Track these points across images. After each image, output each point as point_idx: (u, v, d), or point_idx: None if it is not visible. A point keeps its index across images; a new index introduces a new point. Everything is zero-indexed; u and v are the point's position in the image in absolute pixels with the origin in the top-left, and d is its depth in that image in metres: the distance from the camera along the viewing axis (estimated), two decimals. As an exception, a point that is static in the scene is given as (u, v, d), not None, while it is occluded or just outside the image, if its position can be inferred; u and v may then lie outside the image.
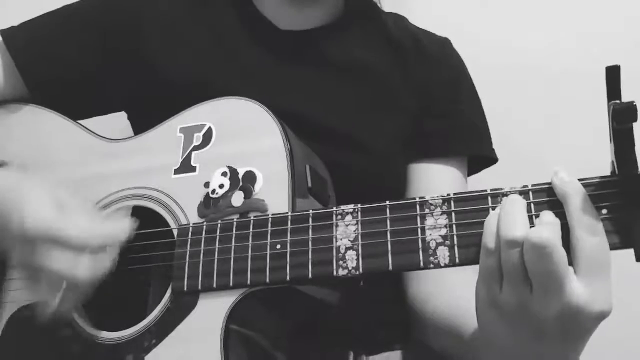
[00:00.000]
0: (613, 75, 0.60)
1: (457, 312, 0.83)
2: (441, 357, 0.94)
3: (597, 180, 0.63)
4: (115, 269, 0.81)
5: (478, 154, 1.04)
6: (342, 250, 0.71)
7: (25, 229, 0.73)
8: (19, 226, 0.73)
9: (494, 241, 0.63)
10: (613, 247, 0.61)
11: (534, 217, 0.64)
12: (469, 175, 1.05)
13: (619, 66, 0.60)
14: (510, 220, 0.62)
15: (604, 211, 0.62)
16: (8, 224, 0.75)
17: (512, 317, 0.64)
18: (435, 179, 1.00)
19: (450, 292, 0.88)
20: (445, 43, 1.09)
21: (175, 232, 0.80)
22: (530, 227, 0.62)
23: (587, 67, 0.91)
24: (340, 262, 0.71)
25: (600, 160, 0.68)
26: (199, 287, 0.76)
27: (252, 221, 0.76)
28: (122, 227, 0.75)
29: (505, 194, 0.66)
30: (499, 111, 1.11)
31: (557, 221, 0.62)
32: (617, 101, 0.60)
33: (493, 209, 0.66)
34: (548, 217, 0.63)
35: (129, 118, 1.07)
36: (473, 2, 1.37)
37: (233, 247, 0.76)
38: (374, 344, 0.92)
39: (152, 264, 0.85)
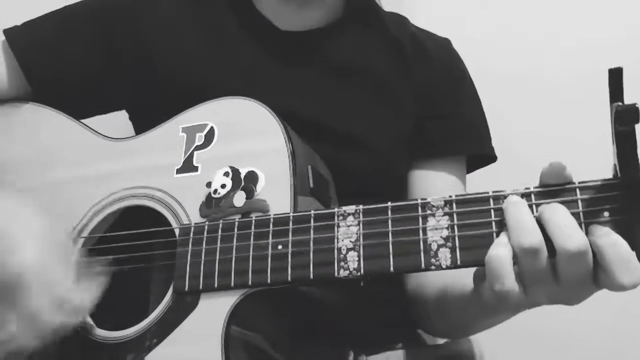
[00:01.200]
0: (616, 77, 0.60)
1: (452, 286, 0.84)
2: (440, 356, 0.94)
3: (599, 182, 0.63)
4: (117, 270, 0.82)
5: (478, 153, 1.04)
6: (344, 252, 0.71)
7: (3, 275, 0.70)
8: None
9: (507, 251, 0.63)
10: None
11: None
12: (468, 172, 1.05)
13: (622, 68, 0.60)
14: (520, 226, 0.62)
15: (606, 214, 0.62)
16: None
17: (532, 306, 0.67)
18: (435, 179, 1.01)
19: (446, 274, 0.88)
20: (445, 43, 1.09)
21: (177, 231, 0.80)
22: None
23: (588, 68, 0.91)
24: (342, 263, 0.71)
25: (602, 163, 0.68)
26: (200, 287, 0.76)
27: (253, 221, 0.76)
28: (88, 301, 0.73)
29: (507, 196, 0.66)
30: (499, 111, 1.11)
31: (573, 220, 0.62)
32: (620, 103, 0.60)
33: (495, 210, 0.66)
34: (570, 220, 0.62)
35: (130, 118, 1.07)
36: (473, 3, 1.37)
37: (234, 247, 0.75)
38: (374, 344, 0.92)
39: (153, 263, 0.85)
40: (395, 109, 1.01)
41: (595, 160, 0.69)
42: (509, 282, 0.62)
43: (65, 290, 0.73)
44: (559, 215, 0.62)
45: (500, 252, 0.62)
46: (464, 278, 0.76)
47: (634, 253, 0.60)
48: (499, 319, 0.80)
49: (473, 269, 0.70)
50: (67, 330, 0.73)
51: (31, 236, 0.73)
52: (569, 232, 0.61)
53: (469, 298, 0.75)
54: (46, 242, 0.74)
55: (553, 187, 0.65)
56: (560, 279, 0.62)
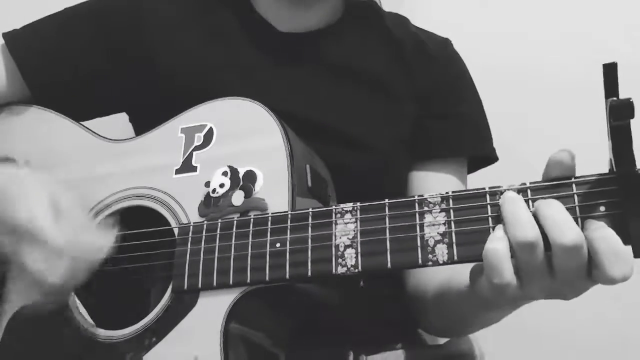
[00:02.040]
0: (610, 72, 0.61)
1: (450, 284, 0.84)
2: (440, 356, 0.94)
3: (595, 177, 0.64)
4: (116, 269, 0.82)
5: (479, 154, 1.04)
6: (342, 249, 0.71)
7: (14, 223, 0.74)
8: (10, 219, 0.74)
9: (504, 244, 0.63)
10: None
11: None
12: (468, 173, 1.05)
13: (616, 63, 0.61)
14: (517, 221, 0.62)
15: (602, 208, 0.62)
16: (2, 215, 0.75)
17: (529, 299, 0.68)
18: (436, 179, 1.00)
19: (443, 271, 0.88)
20: (446, 44, 1.09)
21: (176, 231, 0.80)
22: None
23: (587, 67, 0.92)
24: (340, 260, 0.71)
25: (599, 158, 0.68)
26: (199, 285, 0.76)
27: (252, 220, 0.76)
28: (104, 242, 0.76)
29: (503, 192, 0.66)
30: (499, 111, 1.11)
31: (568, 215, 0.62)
32: (615, 98, 0.60)
33: (492, 206, 0.66)
34: (565, 215, 0.62)
35: (130, 120, 1.08)
36: (473, 3, 1.37)
37: (233, 245, 0.76)
38: (373, 344, 0.92)
39: (153, 262, 0.85)
40: (395, 109, 1.01)
41: (595, 158, 0.69)
42: (507, 275, 0.62)
43: (80, 229, 0.75)
44: (553, 210, 0.62)
45: (497, 245, 0.63)
46: (462, 274, 0.76)
47: (626, 246, 0.60)
48: (497, 314, 0.80)
49: (470, 265, 0.70)
50: (89, 269, 0.75)
51: (38, 187, 0.77)
52: (564, 227, 0.61)
53: (467, 293, 0.75)
54: (55, 191, 0.77)
55: (549, 182, 0.65)
56: (556, 273, 0.62)
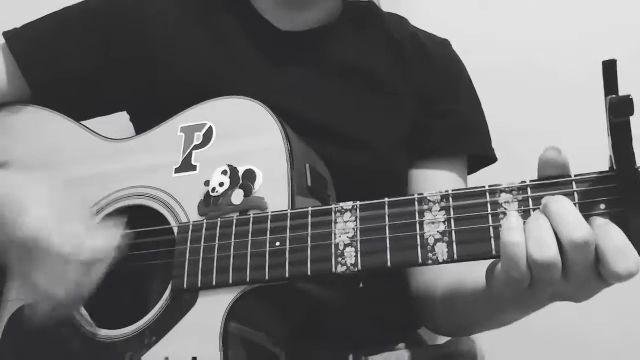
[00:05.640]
0: (610, 69, 0.60)
1: (463, 283, 0.83)
2: (440, 356, 0.94)
3: (595, 175, 0.63)
4: (116, 268, 0.82)
5: (477, 153, 1.04)
6: (341, 247, 0.71)
7: (21, 235, 0.74)
8: (14, 231, 0.75)
9: (522, 236, 0.62)
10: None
11: (531, 210, 0.64)
12: (468, 174, 1.05)
13: (616, 60, 0.60)
14: (569, 222, 0.61)
15: (602, 206, 0.62)
16: (5, 226, 0.76)
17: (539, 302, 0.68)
18: (435, 178, 1.01)
19: (451, 271, 0.88)
20: (445, 44, 1.10)
21: (175, 230, 0.80)
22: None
23: (586, 67, 0.92)
24: (339, 259, 0.71)
25: (599, 156, 0.68)
26: (199, 284, 0.76)
27: (251, 218, 0.76)
28: (112, 242, 0.76)
29: (503, 190, 0.66)
30: (498, 111, 1.11)
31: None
32: (614, 95, 0.60)
33: (491, 204, 0.66)
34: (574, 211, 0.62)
35: (131, 119, 1.07)
36: (472, 3, 1.37)
37: (232, 244, 0.76)
38: (373, 344, 0.92)
39: (152, 261, 0.85)
40: (395, 108, 1.01)
41: (595, 157, 0.69)
42: (524, 266, 0.61)
43: (86, 232, 0.76)
44: (561, 206, 0.61)
45: (517, 238, 0.61)
46: (476, 272, 0.75)
47: (629, 242, 0.59)
48: (509, 316, 0.79)
49: (484, 264, 0.69)
50: (102, 271, 0.75)
51: (39, 196, 0.78)
52: (573, 223, 0.60)
53: (482, 292, 0.74)
54: (56, 198, 0.78)
55: (549, 180, 0.65)
56: (567, 271, 0.61)
